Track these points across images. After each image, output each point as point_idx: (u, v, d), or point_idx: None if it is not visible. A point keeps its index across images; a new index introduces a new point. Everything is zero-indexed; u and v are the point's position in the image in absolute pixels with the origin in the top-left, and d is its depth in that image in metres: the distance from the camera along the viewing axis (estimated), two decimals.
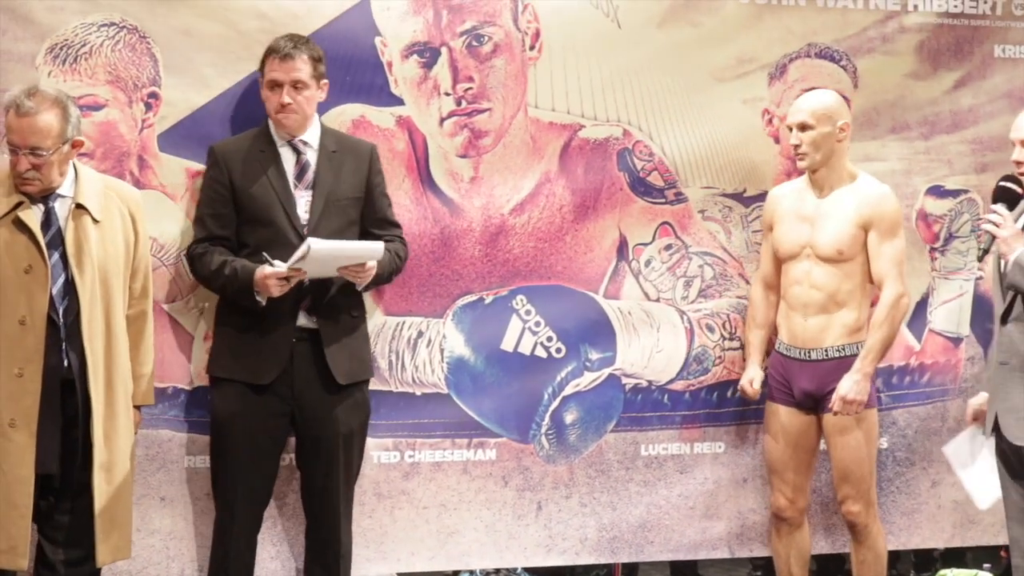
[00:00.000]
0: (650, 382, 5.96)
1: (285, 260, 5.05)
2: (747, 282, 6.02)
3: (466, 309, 5.76)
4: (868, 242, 5.60)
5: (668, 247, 5.96)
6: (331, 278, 5.19)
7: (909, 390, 6.18)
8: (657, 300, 5.96)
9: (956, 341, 6.21)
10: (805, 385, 5.64)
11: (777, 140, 6.03)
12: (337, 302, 5.25)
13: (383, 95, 5.60)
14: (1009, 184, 5.15)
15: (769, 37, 5.99)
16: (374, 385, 5.57)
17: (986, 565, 6.64)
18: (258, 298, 5.12)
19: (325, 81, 5.26)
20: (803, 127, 5.58)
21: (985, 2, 6.20)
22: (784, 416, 5.71)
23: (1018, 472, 5.21)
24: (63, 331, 4.78)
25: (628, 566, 6.51)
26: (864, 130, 6.09)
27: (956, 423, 6.15)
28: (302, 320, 5.22)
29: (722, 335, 5.98)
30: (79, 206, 4.84)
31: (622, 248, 5.92)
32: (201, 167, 5.39)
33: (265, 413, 5.22)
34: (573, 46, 5.77)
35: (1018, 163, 5.17)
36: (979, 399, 5.39)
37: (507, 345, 5.81)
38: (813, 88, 5.87)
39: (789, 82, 6.00)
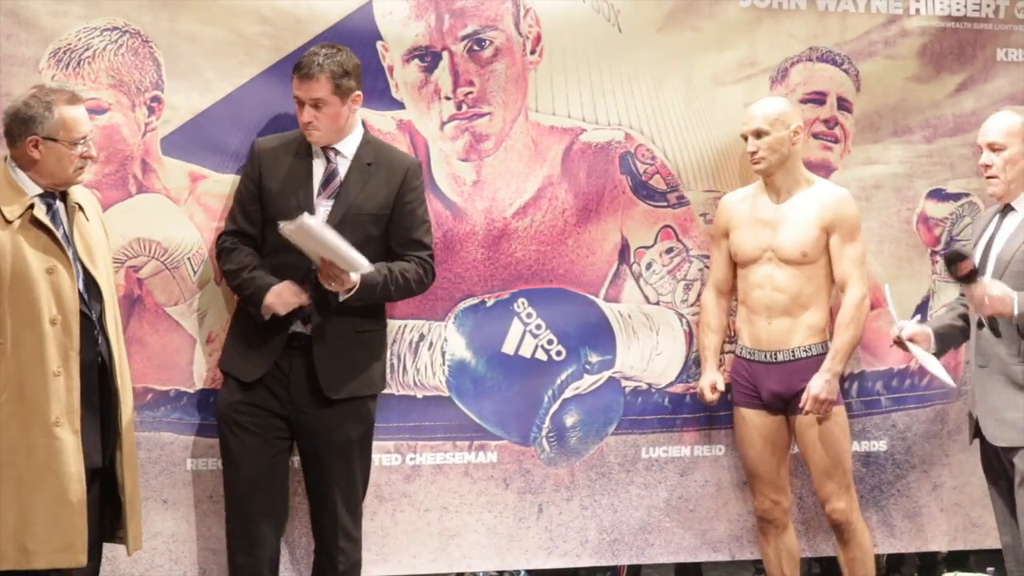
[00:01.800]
0: (650, 385, 5.96)
1: (293, 276, 5.12)
2: None
3: (468, 312, 5.77)
4: (830, 245, 5.66)
5: (669, 250, 5.97)
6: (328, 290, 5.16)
7: (909, 393, 6.17)
8: (657, 303, 5.97)
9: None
10: (773, 387, 5.69)
11: None
12: (336, 314, 5.20)
13: (384, 99, 5.61)
14: (954, 249, 5.30)
15: (770, 41, 5.99)
16: None
17: (990, 569, 6.61)
18: (262, 312, 5.16)
19: (357, 94, 5.25)
20: (758, 133, 5.63)
21: (988, 5, 6.19)
22: (755, 419, 5.75)
23: (1000, 475, 5.27)
24: (96, 326, 4.87)
25: (632, 568, 6.52)
26: (866, 133, 6.10)
27: (956, 426, 6.16)
28: (297, 327, 5.21)
29: (723, 338, 5.97)
30: (76, 204, 4.92)
31: (623, 251, 5.92)
32: (203, 171, 5.42)
33: (257, 408, 5.22)
34: (574, 50, 5.78)
35: (984, 166, 5.28)
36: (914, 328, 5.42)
37: (508, 348, 5.82)
38: (816, 91, 5.98)
39: (791, 86, 6.01)
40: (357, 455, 5.33)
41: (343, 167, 5.27)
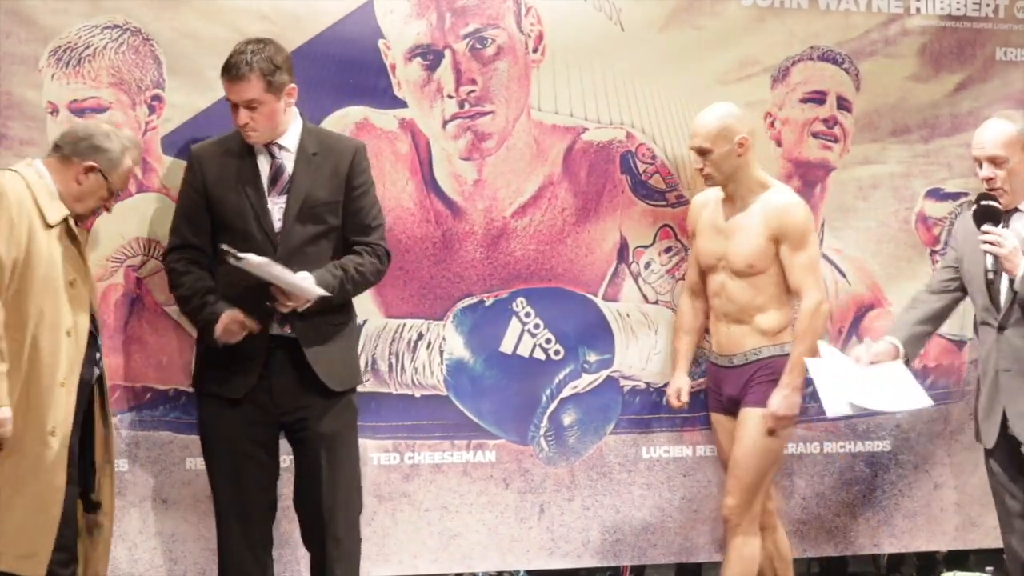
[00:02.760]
0: (648, 384, 5.97)
1: (249, 282, 5.00)
2: None
3: (466, 311, 5.77)
4: (780, 254, 5.50)
5: (668, 249, 5.97)
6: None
7: None
8: (655, 302, 5.97)
9: (959, 344, 6.20)
10: (730, 390, 5.61)
11: (779, 143, 6.04)
12: (310, 313, 5.06)
13: (386, 97, 5.59)
14: (988, 203, 5.17)
15: (771, 40, 6.00)
16: (374, 387, 5.60)
17: (989, 568, 6.63)
18: (216, 340, 5.08)
19: (291, 87, 5.06)
20: (701, 151, 5.48)
21: (987, 5, 6.20)
22: (725, 425, 5.65)
23: (1020, 474, 5.26)
24: (98, 342, 4.93)
25: (636, 568, 6.52)
26: (865, 132, 6.11)
27: (959, 425, 6.17)
28: (275, 329, 5.09)
29: None
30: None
31: (622, 250, 5.92)
32: None
33: (244, 424, 5.12)
34: (576, 49, 5.78)
35: (987, 179, 5.20)
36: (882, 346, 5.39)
37: (506, 347, 5.81)
38: (816, 91, 6.00)
39: (791, 85, 6.01)
40: (347, 453, 5.23)
41: (288, 161, 5.12)
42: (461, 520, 5.78)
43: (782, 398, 5.43)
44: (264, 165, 5.13)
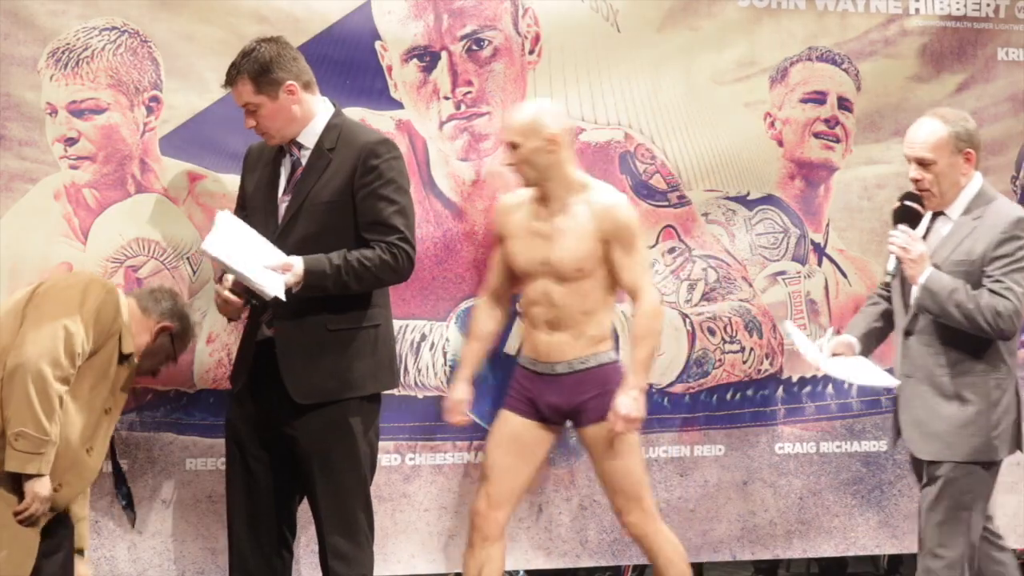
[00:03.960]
0: (651, 385, 5.92)
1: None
2: (750, 285, 6.03)
3: (469, 312, 5.75)
4: (610, 254, 5.34)
5: (672, 250, 5.96)
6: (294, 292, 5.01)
7: None
8: (660, 303, 5.95)
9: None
10: (553, 399, 5.43)
11: (780, 143, 6.04)
12: (302, 314, 4.99)
13: (383, 99, 5.61)
14: (910, 203, 5.10)
15: (769, 41, 6.00)
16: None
17: None
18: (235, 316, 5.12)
19: (290, 83, 4.98)
20: (512, 146, 5.33)
21: (988, 5, 6.20)
22: (516, 426, 5.48)
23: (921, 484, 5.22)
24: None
25: (637, 568, 6.52)
26: (867, 133, 6.12)
27: None
28: (263, 331, 5.08)
29: (723, 338, 5.98)
30: None
31: None
32: (202, 171, 5.44)
33: (250, 423, 5.12)
34: (573, 50, 5.78)
35: (915, 180, 5.11)
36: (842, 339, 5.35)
37: (510, 348, 5.80)
38: (816, 91, 6.02)
39: (791, 85, 6.02)
40: (343, 465, 5.08)
41: (306, 158, 5.08)
42: (461, 520, 5.76)
43: (631, 400, 5.30)
44: (286, 164, 5.12)
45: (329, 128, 5.08)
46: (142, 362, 4.99)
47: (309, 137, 5.07)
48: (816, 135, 6.08)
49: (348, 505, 5.11)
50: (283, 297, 4.84)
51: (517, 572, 6.18)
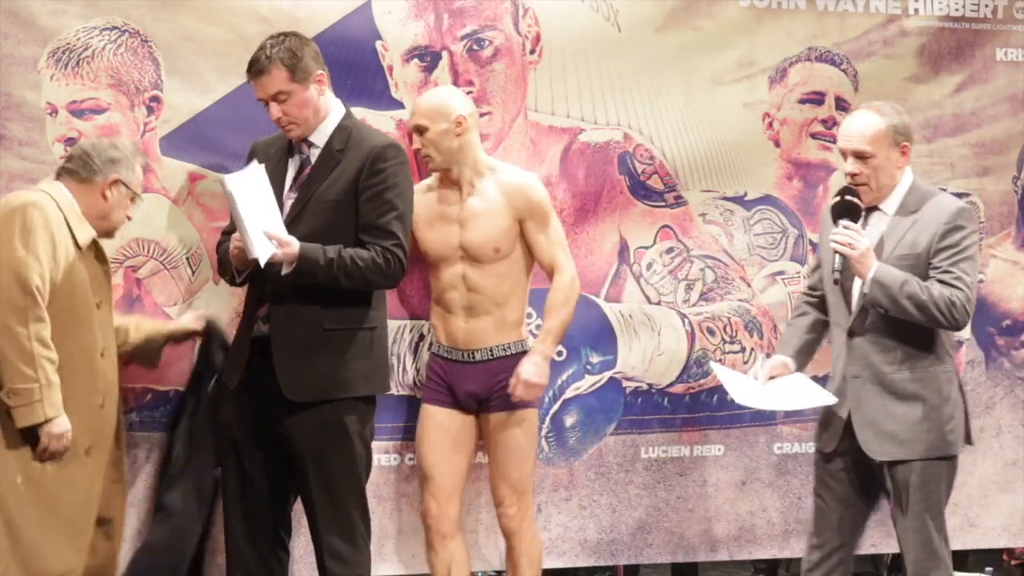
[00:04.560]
0: (650, 385, 5.96)
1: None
2: (749, 285, 6.02)
3: None
4: (526, 233, 5.42)
5: (669, 250, 5.96)
6: (294, 286, 5.01)
7: None
8: (658, 303, 5.96)
9: (957, 344, 6.17)
10: (470, 387, 5.45)
11: (777, 144, 6.04)
12: (299, 312, 5.02)
13: (384, 99, 5.61)
14: (850, 198, 5.04)
15: (769, 41, 6.00)
16: None
17: (988, 568, 6.64)
18: (237, 276, 5.10)
19: (319, 73, 5.06)
20: (419, 129, 5.37)
21: (986, 5, 6.20)
22: (442, 419, 5.50)
23: (860, 486, 5.18)
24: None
25: (630, 568, 6.52)
26: None
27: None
28: (259, 328, 5.08)
29: (723, 338, 5.98)
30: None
31: (623, 251, 5.92)
32: (202, 171, 5.43)
33: (241, 418, 5.13)
34: (573, 50, 5.79)
35: (851, 175, 5.06)
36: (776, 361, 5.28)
37: None
38: (815, 91, 6.02)
39: (789, 86, 6.02)
40: (337, 465, 5.09)
41: (315, 157, 5.11)
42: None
43: (534, 365, 5.34)
44: (294, 162, 5.14)
45: (340, 128, 5.12)
46: (106, 224, 4.92)
47: (320, 136, 5.11)
48: (813, 136, 6.09)
49: (343, 505, 5.11)
50: (262, 264, 4.88)
51: None
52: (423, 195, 5.47)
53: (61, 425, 4.69)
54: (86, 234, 4.85)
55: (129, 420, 5.40)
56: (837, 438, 5.13)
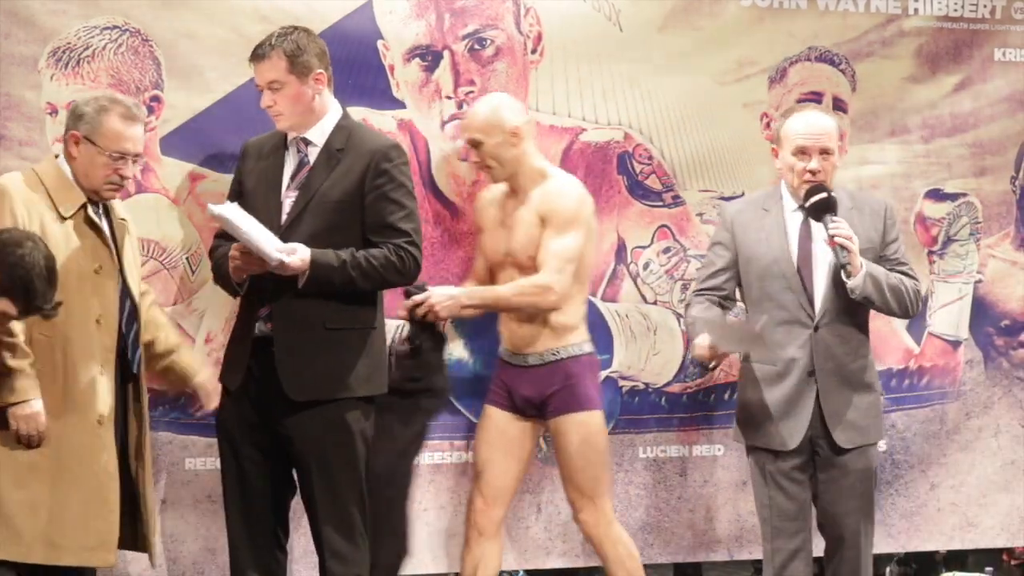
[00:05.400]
0: (647, 384, 5.96)
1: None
2: None
3: None
4: (543, 236, 5.33)
5: (666, 250, 5.97)
6: (291, 287, 4.96)
7: (908, 393, 6.18)
8: (654, 303, 5.97)
9: (955, 344, 6.22)
10: (525, 391, 5.45)
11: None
12: (300, 311, 4.96)
13: (385, 98, 5.60)
14: (830, 194, 5.11)
15: (770, 41, 6.01)
16: None
17: (988, 568, 6.67)
18: (236, 286, 5.04)
19: (319, 72, 5.01)
20: (474, 143, 5.37)
21: (984, 6, 6.22)
22: (500, 421, 5.50)
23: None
24: (132, 329, 4.91)
25: None
26: (863, 133, 6.12)
27: (955, 426, 6.19)
28: (259, 328, 5.03)
29: None
30: (122, 219, 4.97)
31: (620, 251, 5.93)
32: (203, 171, 5.42)
33: (242, 422, 5.08)
34: (575, 50, 5.79)
35: (814, 171, 5.15)
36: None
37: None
38: (813, 91, 6.01)
39: (789, 86, 6.03)
40: (338, 464, 5.04)
41: (313, 156, 5.05)
42: (460, 520, 5.74)
43: (448, 296, 5.21)
44: (291, 160, 5.09)
45: (338, 128, 5.07)
46: (88, 182, 4.80)
47: (318, 135, 5.06)
48: None
49: (345, 504, 5.08)
50: (287, 263, 4.81)
51: (517, 572, 6.17)
52: (492, 202, 5.52)
53: (26, 408, 4.63)
54: (71, 203, 4.77)
55: None
56: (801, 433, 5.21)
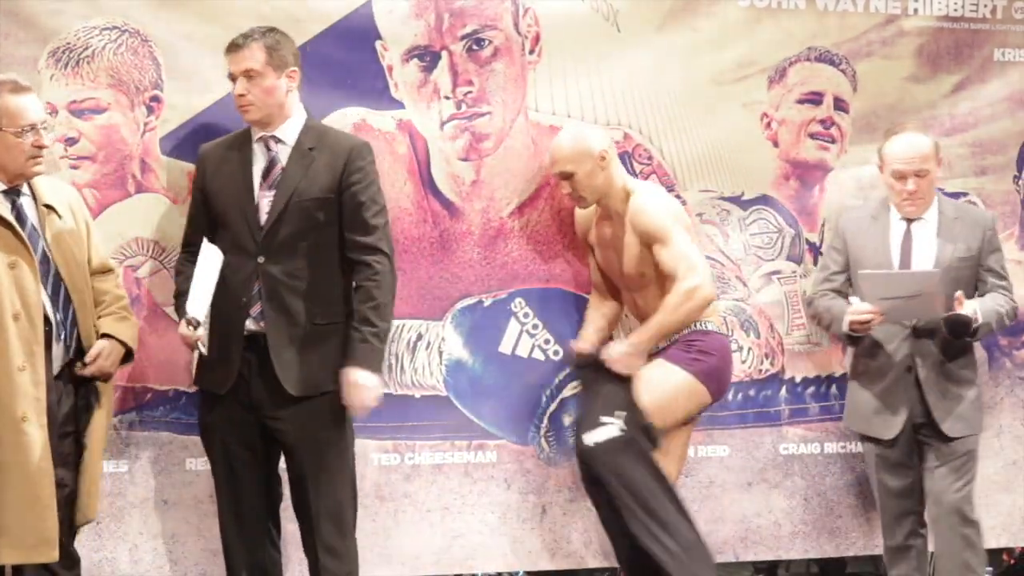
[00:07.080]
0: None
1: (236, 278, 5.01)
2: (744, 285, 6.03)
3: (465, 312, 5.76)
4: (654, 254, 5.43)
5: None
6: (283, 283, 5.02)
7: None
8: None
9: None
10: None
11: (775, 144, 6.04)
12: (291, 307, 5.01)
13: (384, 98, 5.60)
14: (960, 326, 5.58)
15: (769, 41, 6.01)
16: None
17: (988, 568, 6.63)
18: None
19: (293, 69, 5.06)
20: (566, 176, 5.47)
21: (985, 6, 6.21)
22: None
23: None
24: (65, 323, 4.83)
25: None
26: (863, 134, 6.11)
27: None
28: (250, 325, 5.06)
29: None
30: (47, 206, 4.87)
31: None
32: None
33: (231, 423, 5.08)
34: (573, 50, 5.79)
35: (911, 192, 5.63)
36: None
37: (505, 347, 5.80)
38: (813, 91, 6.02)
39: (788, 86, 6.02)
40: (333, 457, 5.11)
41: (284, 155, 5.06)
42: (463, 521, 5.77)
43: (620, 352, 5.43)
44: (259, 158, 5.09)
45: (308, 128, 5.13)
46: (4, 172, 4.77)
47: (288, 134, 5.09)
48: (811, 136, 6.09)
49: (337, 498, 5.14)
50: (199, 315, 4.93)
51: (519, 573, 6.16)
52: (588, 219, 5.72)
53: None
54: None
55: (129, 420, 5.43)
56: (900, 424, 5.63)
